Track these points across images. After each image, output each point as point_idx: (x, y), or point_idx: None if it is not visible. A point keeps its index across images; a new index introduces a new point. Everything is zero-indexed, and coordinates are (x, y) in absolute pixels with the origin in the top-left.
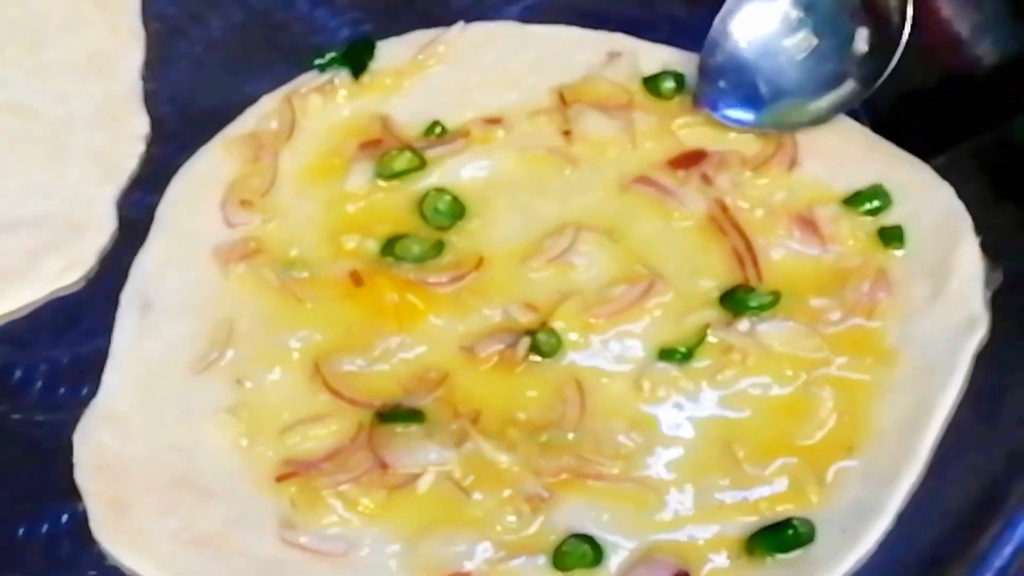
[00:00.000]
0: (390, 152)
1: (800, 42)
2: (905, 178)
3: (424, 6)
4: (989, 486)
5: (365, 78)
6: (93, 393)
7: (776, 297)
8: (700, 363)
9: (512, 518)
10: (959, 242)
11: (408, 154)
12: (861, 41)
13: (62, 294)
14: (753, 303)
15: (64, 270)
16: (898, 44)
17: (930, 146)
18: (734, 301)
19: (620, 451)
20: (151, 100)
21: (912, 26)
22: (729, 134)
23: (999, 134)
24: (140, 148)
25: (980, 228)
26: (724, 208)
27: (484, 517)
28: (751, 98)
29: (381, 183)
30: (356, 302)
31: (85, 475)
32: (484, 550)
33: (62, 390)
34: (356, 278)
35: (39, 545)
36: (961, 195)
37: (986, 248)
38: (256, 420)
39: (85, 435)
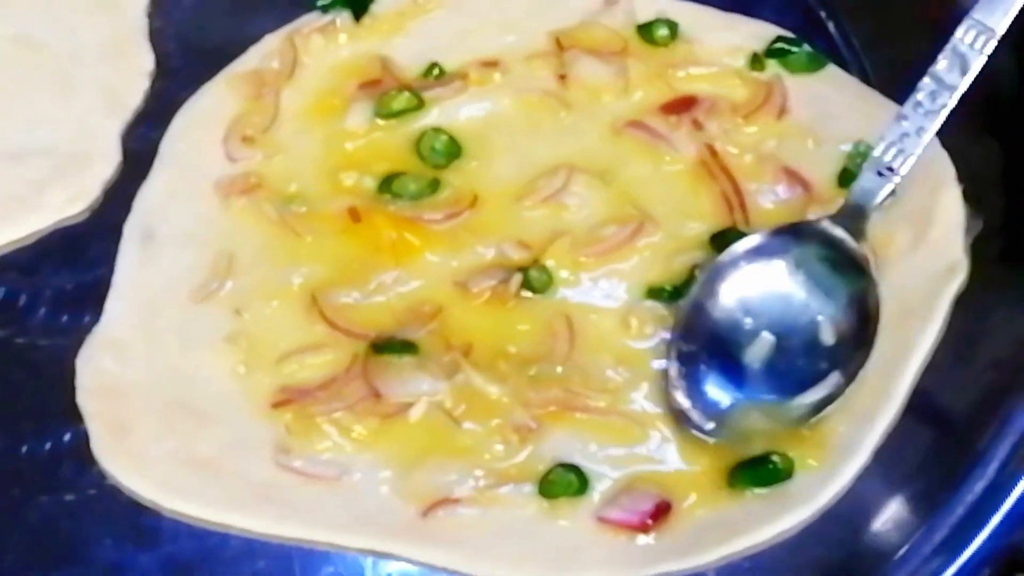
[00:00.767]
0: (389, 92)
1: (758, 349)
2: None
3: None
4: (962, 425)
5: (366, 20)
6: (95, 320)
7: None
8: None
9: (500, 447)
10: (942, 190)
11: (407, 94)
12: (825, 333)
13: (67, 224)
14: None
15: (69, 200)
16: (875, 330)
17: None
18: (724, 242)
19: (607, 385)
20: (156, 36)
21: None
22: (724, 81)
23: (984, 84)
24: (145, 83)
25: (962, 177)
26: (714, 153)
27: (473, 446)
28: (722, 412)
29: (380, 122)
30: (353, 237)
31: (87, 398)
32: (473, 478)
33: (65, 317)
34: (354, 214)
35: (42, 463)
36: (945, 144)
37: (968, 196)
38: (254, 349)
39: (87, 360)
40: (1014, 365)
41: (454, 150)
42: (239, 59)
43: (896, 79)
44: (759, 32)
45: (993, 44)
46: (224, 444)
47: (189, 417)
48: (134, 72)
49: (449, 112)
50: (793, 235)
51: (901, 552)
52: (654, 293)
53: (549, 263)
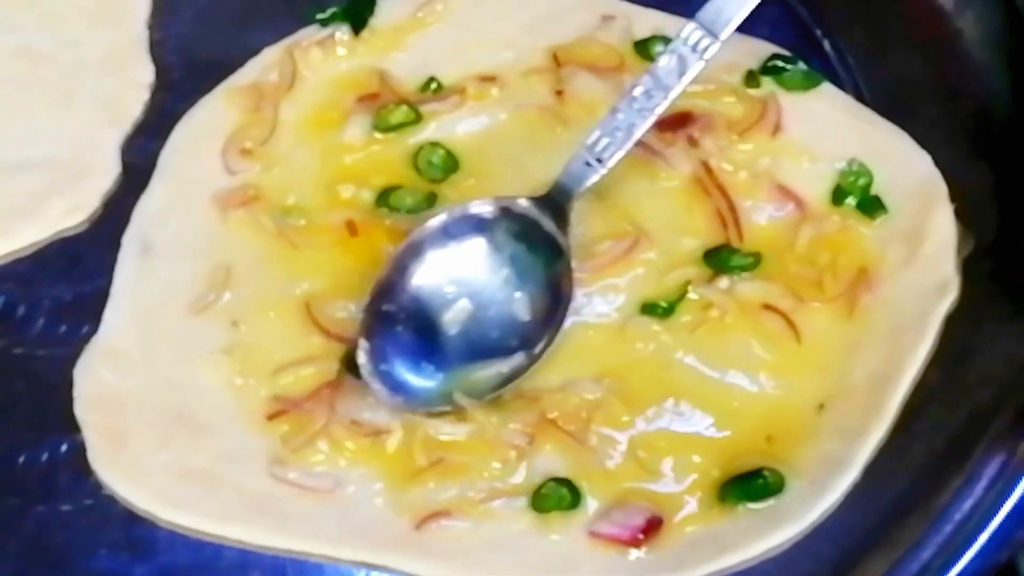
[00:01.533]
0: (387, 106)
1: (457, 313)
2: (885, 145)
3: None
4: (952, 443)
5: (365, 33)
6: (93, 331)
7: (757, 259)
8: (681, 318)
9: (498, 465)
10: (934, 208)
11: (404, 108)
12: (520, 308)
13: (66, 235)
14: (735, 263)
15: (68, 212)
16: (563, 313)
17: (910, 115)
18: (717, 259)
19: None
20: (157, 49)
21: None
22: (720, 98)
23: (977, 104)
24: (145, 95)
25: (955, 195)
26: (709, 170)
27: (470, 464)
28: (422, 370)
29: (378, 136)
30: (350, 250)
31: (84, 408)
32: (467, 492)
33: (64, 327)
34: (351, 227)
35: (39, 473)
36: (938, 163)
37: (960, 215)
38: (250, 360)
39: (85, 370)
40: (1004, 382)
41: (451, 164)
42: (238, 72)
43: (891, 97)
44: (755, 49)
45: (715, 50)
46: (220, 455)
47: (185, 428)
48: (134, 84)
49: (447, 126)
50: (497, 213)
51: (890, 569)
52: (648, 309)
53: None
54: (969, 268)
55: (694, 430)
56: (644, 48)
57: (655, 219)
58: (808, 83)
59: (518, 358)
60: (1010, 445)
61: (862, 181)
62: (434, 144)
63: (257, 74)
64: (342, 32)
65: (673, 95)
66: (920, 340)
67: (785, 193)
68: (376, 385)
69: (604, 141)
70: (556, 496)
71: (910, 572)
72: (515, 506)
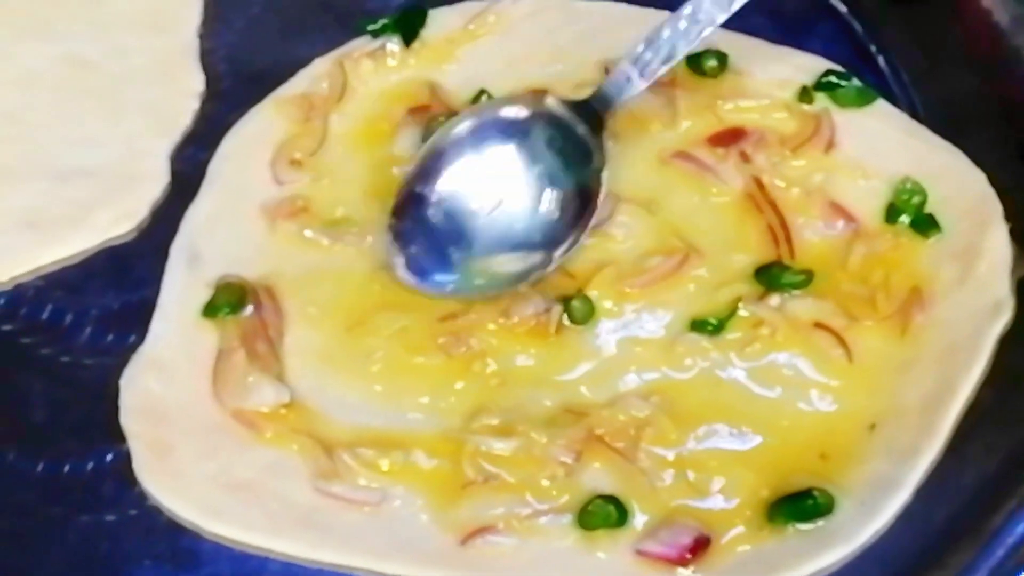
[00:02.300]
0: (438, 118)
1: (486, 203)
2: (940, 164)
3: None
4: (1005, 465)
5: (416, 45)
6: (140, 340)
7: (809, 276)
8: (730, 335)
9: (546, 481)
10: (989, 228)
11: None
12: (549, 204)
13: (115, 243)
14: (786, 280)
15: (117, 220)
16: (590, 215)
17: (964, 133)
18: (768, 276)
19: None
20: (207, 58)
21: (952, 16)
22: (772, 113)
23: None
24: (195, 105)
25: (1010, 215)
26: (761, 186)
27: (517, 480)
28: (446, 261)
29: None
30: None
31: (130, 418)
32: (513, 509)
33: (111, 336)
34: None
35: (84, 482)
36: (993, 182)
37: (1015, 234)
38: None
39: (131, 380)
40: None
41: None
42: (288, 82)
43: (946, 115)
44: (808, 65)
45: None
46: (263, 467)
47: (230, 439)
48: (184, 93)
49: None
50: (534, 113)
51: None
52: (698, 326)
53: (592, 294)
54: None
55: (744, 448)
56: (697, 62)
57: (706, 235)
58: (862, 100)
59: (538, 256)
60: None
61: (916, 199)
62: None
63: (307, 84)
64: (393, 43)
65: (720, 21)
66: (974, 361)
67: (838, 210)
68: (401, 268)
69: (648, 55)
70: (603, 514)
71: None
72: (561, 523)
